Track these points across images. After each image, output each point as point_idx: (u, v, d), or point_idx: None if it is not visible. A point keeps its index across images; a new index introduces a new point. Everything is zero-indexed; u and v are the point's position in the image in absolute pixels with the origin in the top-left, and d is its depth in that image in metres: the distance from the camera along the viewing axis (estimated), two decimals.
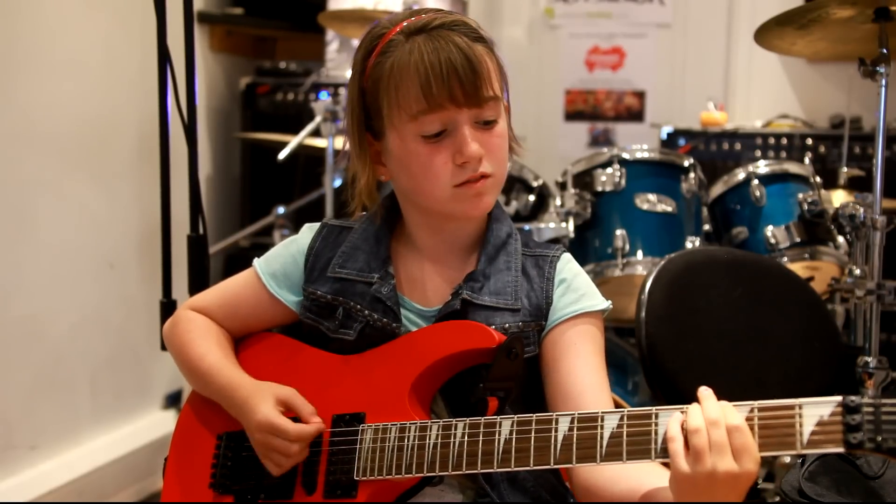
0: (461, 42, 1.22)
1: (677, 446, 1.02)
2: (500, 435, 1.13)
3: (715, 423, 1.01)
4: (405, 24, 1.26)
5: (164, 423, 3.20)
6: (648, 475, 1.14)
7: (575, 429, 1.10)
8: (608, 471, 1.18)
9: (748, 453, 0.99)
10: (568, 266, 1.35)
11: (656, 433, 1.05)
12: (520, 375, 1.24)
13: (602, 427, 1.08)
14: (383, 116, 1.27)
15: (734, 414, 1.01)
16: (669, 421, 1.04)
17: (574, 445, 1.09)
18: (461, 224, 1.34)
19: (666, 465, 1.07)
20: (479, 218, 1.34)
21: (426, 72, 1.21)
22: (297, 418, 1.26)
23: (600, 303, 1.33)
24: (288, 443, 1.23)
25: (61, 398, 2.78)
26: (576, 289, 1.33)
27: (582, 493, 1.23)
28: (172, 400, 3.29)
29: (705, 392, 1.06)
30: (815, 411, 0.99)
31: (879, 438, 0.95)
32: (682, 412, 1.05)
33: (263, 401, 1.26)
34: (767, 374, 1.75)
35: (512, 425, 1.13)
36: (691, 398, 1.59)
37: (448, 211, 1.29)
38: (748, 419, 1.01)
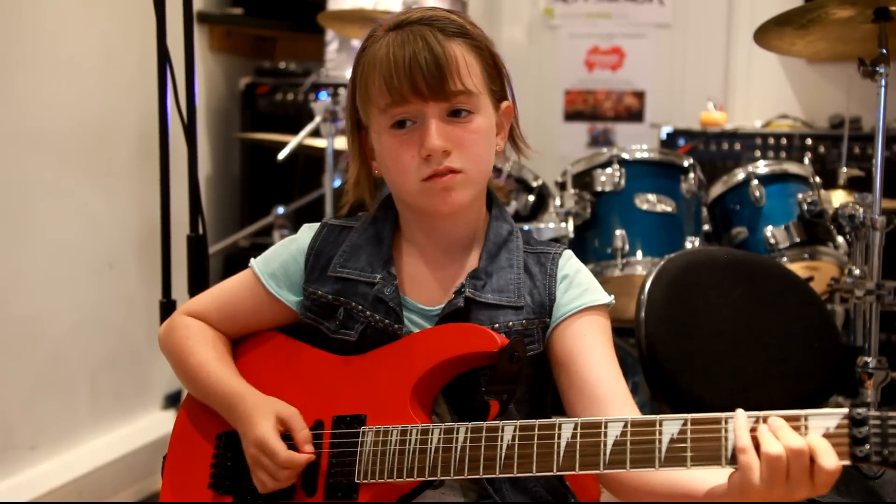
0: (431, 36, 1.23)
1: (750, 458, 0.99)
2: (502, 441, 1.12)
3: (800, 454, 0.97)
4: (393, 20, 1.28)
5: (163, 423, 3.20)
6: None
7: (578, 436, 1.09)
8: None
9: (830, 485, 0.98)
10: (570, 262, 1.35)
11: (660, 441, 1.04)
12: (522, 378, 1.23)
13: (606, 435, 1.07)
14: (361, 112, 1.30)
15: (830, 455, 0.97)
16: (737, 429, 1.00)
17: (577, 453, 1.08)
18: (452, 223, 1.33)
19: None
20: (448, 214, 1.31)
21: (389, 65, 1.23)
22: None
23: (603, 297, 1.33)
24: (276, 466, 1.22)
25: (61, 398, 2.78)
26: (578, 284, 1.33)
27: (609, 482, 1.21)
28: (172, 400, 3.29)
29: (778, 423, 1.01)
30: (820, 423, 0.98)
31: (886, 452, 0.94)
32: (754, 421, 1.01)
33: (264, 417, 1.24)
34: (767, 374, 1.75)
35: (514, 431, 1.12)
36: (691, 398, 1.59)
37: (419, 206, 1.30)
38: (752, 429, 1.00)
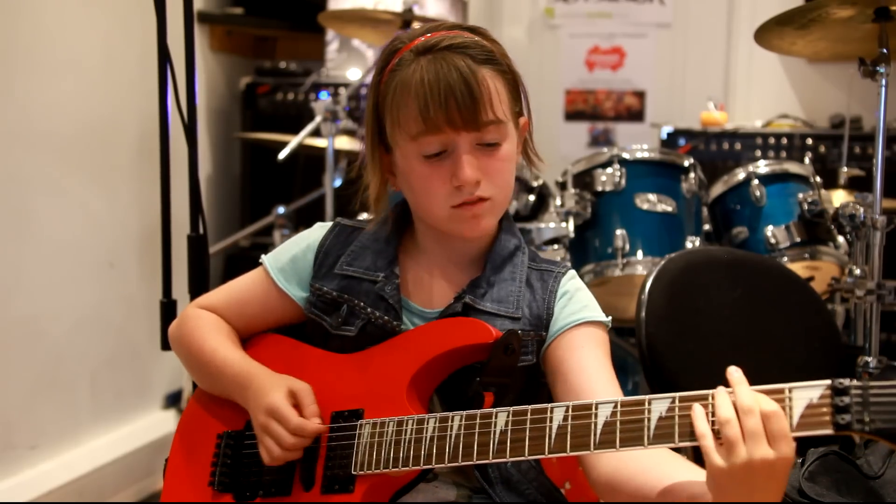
0: (463, 65, 1.22)
1: (708, 442, 1.01)
2: (495, 427, 1.14)
3: (749, 411, 0.99)
4: (418, 41, 1.26)
5: (164, 423, 3.20)
6: (672, 468, 1.13)
7: (570, 418, 1.10)
8: (630, 465, 1.17)
9: (784, 438, 0.98)
10: (571, 281, 1.37)
11: (649, 420, 1.06)
12: (516, 372, 1.24)
13: (596, 416, 1.08)
14: (388, 132, 1.29)
15: (767, 400, 1.00)
16: (695, 416, 1.02)
17: (568, 434, 1.09)
18: (469, 240, 1.35)
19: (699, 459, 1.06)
20: (476, 239, 1.34)
21: (424, 94, 1.22)
22: None
23: (601, 315, 1.34)
24: (285, 432, 1.23)
25: (61, 398, 2.78)
26: (577, 301, 1.34)
27: (603, 488, 1.22)
28: (172, 400, 3.29)
29: (737, 376, 1.03)
30: (804, 394, 1.00)
31: (867, 419, 0.96)
32: (702, 404, 1.03)
33: (276, 387, 1.27)
34: (767, 375, 1.73)
35: (508, 416, 1.14)
36: None
37: (446, 230, 1.31)
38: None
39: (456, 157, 1.24)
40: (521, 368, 1.28)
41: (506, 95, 1.27)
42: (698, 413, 1.02)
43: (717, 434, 1.01)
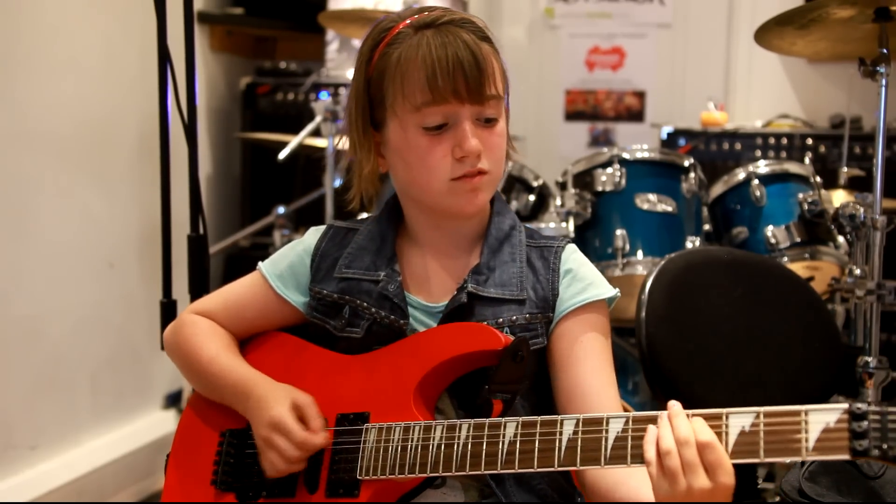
0: (469, 38, 1.24)
1: (653, 470, 1.03)
2: (504, 437, 1.13)
3: (685, 442, 1.01)
4: (414, 18, 1.28)
5: (164, 423, 3.20)
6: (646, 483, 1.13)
7: (580, 432, 1.09)
8: (612, 475, 1.18)
9: (721, 468, 1.00)
10: (573, 256, 1.36)
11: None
12: (525, 378, 1.23)
13: (607, 430, 1.08)
14: (386, 106, 1.29)
15: (704, 430, 1.01)
16: (645, 444, 1.04)
17: (579, 448, 1.09)
18: (463, 221, 1.34)
19: None
20: (472, 215, 1.34)
21: (433, 64, 1.22)
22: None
23: (607, 291, 1.33)
24: (291, 446, 1.22)
25: (61, 398, 2.78)
26: (581, 278, 1.33)
27: (590, 494, 1.23)
28: (172, 400, 3.29)
29: (675, 408, 1.05)
30: (821, 418, 0.98)
31: (885, 446, 0.94)
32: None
33: (280, 400, 1.26)
34: (767, 374, 1.75)
35: (517, 427, 1.13)
36: (692, 398, 1.60)
37: (443, 205, 1.30)
38: (754, 425, 1.01)
39: (459, 128, 1.25)
40: (534, 352, 1.27)
41: (500, 74, 1.29)
42: (649, 439, 1.04)
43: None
